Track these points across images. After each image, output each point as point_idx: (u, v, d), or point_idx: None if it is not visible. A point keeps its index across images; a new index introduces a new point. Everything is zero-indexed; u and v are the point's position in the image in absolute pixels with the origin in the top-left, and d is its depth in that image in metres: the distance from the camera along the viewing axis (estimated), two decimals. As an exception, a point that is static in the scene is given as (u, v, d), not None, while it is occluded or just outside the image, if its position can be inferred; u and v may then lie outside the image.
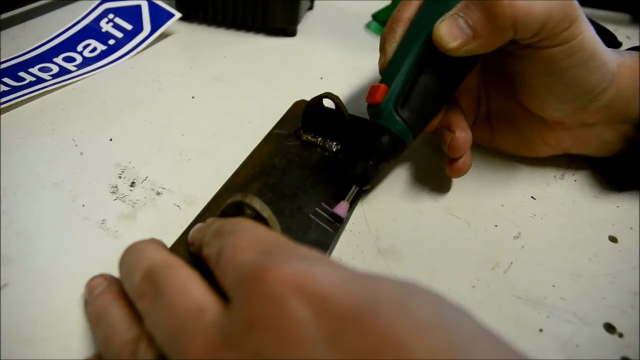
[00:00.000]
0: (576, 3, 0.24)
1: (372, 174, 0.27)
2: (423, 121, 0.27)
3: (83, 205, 0.28)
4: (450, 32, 0.25)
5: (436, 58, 0.26)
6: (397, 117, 0.26)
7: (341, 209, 0.27)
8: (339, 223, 0.27)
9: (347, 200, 0.27)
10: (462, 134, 0.28)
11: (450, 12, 0.25)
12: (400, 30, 0.28)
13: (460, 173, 0.29)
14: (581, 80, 0.26)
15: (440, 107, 0.28)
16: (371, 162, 0.27)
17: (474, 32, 0.24)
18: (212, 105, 0.37)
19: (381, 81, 0.27)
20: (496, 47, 0.25)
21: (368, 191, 0.30)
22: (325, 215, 0.27)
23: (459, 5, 0.25)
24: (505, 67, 0.29)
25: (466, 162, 0.29)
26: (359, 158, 0.27)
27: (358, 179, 0.27)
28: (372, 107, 0.27)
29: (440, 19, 0.25)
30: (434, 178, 0.31)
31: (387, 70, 0.28)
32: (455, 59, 0.25)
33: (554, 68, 0.26)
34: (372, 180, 0.27)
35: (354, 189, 0.27)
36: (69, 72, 0.39)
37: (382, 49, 0.28)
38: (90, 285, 0.23)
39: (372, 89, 0.27)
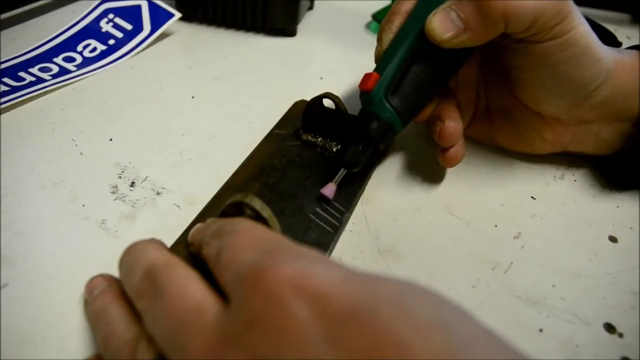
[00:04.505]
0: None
1: (361, 158, 0.27)
2: (413, 110, 0.28)
3: (83, 205, 0.28)
4: (442, 25, 0.25)
5: (428, 49, 0.26)
6: (387, 105, 0.27)
7: (328, 190, 0.28)
8: (326, 203, 0.28)
9: (335, 182, 0.28)
10: (452, 124, 0.29)
11: (443, 5, 0.26)
12: (397, 22, 0.29)
13: (452, 163, 0.29)
14: (574, 75, 0.26)
15: (432, 97, 0.29)
16: (360, 147, 0.27)
17: (465, 25, 0.25)
18: (212, 105, 0.37)
19: (375, 70, 0.28)
20: (487, 41, 0.25)
21: (368, 191, 0.30)
22: (326, 215, 0.27)
23: None
24: (501, 62, 0.30)
25: (458, 152, 0.29)
26: (349, 142, 0.27)
27: (347, 163, 0.27)
28: (363, 94, 0.28)
29: (433, 12, 0.26)
30: (434, 178, 0.31)
31: (381, 59, 0.28)
32: (447, 51, 0.26)
33: (547, 62, 0.26)
34: (361, 164, 0.28)
35: (342, 172, 0.28)
36: (69, 72, 0.39)
37: (379, 39, 0.29)
38: (90, 286, 0.23)
39: (364, 77, 0.28)
